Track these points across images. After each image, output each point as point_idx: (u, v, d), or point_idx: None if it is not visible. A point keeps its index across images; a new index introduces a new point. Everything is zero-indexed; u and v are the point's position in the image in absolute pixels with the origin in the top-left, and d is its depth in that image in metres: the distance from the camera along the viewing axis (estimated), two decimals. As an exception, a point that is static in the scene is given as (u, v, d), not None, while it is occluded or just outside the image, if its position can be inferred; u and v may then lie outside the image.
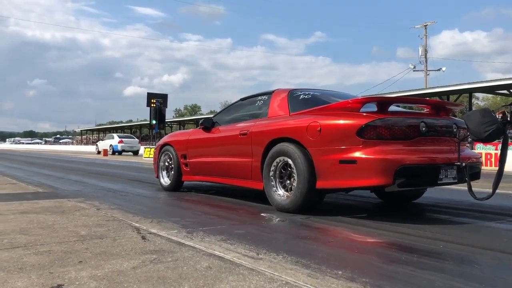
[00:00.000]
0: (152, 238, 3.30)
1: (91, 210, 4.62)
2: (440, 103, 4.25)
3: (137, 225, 3.80)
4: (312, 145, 3.89)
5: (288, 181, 4.34)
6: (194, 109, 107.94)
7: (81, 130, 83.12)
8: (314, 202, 4.15)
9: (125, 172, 11.31)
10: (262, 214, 4.42)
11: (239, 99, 5.71)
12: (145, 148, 21.35)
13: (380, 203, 5.37)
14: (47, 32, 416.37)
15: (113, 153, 27.51)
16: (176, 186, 6.29)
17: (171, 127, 55.41)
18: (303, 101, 4.49)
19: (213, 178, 5.43)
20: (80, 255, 2.76)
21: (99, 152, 29.75)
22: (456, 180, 3.75)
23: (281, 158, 4.27)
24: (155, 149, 6.80)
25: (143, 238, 3.29)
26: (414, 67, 37.44)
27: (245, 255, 2.82)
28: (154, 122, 19.81)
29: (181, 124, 55.19)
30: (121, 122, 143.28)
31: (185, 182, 6.59)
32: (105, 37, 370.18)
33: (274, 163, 4.36)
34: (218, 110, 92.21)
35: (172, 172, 6.31)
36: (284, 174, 4.33)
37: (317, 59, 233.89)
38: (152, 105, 19.96)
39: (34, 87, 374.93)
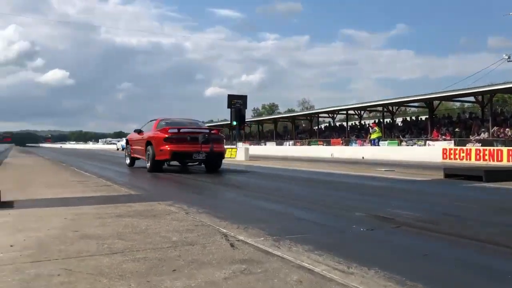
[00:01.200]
0: (240, 245, 3.35)
1: (180, 214, 4.80)
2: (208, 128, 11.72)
3: (224, 230, 3.89)
4: (154, 143, 10.54)
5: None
6: (272, 108, 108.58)
7: None
8: (158, 167, 10.65)
9: (208, 174, 11.69)
10: (348, 221, 4.34)
11: (149, 120, 13.35)
12: (226, 148, 21.85)
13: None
14: (134, 38, 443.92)
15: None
16: (131, 163, 13.51)
17: (250, 126, 56.14)
18: (161, 125, 11.41)
19: (136, 155, 12.70)
20: (174, 263, 2.87)
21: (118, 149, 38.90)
22: (203, 159, 10.44)
23: (149, 147, 11.03)
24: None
25: (232, 245, 3.36)
26: (509, 58, 34.64)
27: (335, 268, 2.77)
28: (235, 123, 20.22)
29: (260, 123, 55.82)
30: (203, 122, 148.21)
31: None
32: (187, 40, 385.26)
33: (147, 150, 11.08)
34: (296, 108, 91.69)
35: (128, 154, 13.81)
36: (149, 154, 10.96)
37: (400, 52, 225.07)
38: (233, 106, 20.40)
39: (123, 90, 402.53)
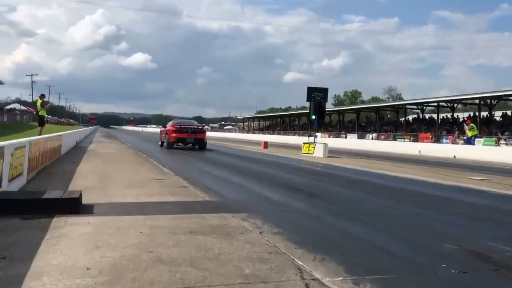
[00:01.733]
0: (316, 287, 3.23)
1: (254, 233, 4.76)
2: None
3: (300, 263, 3.77)
4: (168, 132, 20.84)
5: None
6: (354, 95, 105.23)
7: (243, 118, 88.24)
8: (170, 146, 20.44)
9: (283, 175, 11.65)
10: (437, 256, 4.04)
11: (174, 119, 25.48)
12: (304, 143, 21.49)
13: None
14: (214, 22, 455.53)
15: None
16: (161, 144, 22.94)
17: (330, 115, 54.94)
18: (173, 123, 21.78)
19: (162, 140, 23.09)
20: (245, 308, 2.81)
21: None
22: (192, 142, 20.55)
23: (166, 135, 21.46)
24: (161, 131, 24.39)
25: (306, 286, 3.24)
26: None
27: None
28: (314, 117, 19.88)
29: (340, 113, 54.55)
30: (280, 109, 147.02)
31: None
32: (268, 24, 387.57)
33: (166, 136, 21.44)
34: (381, 96, 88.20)
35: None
36: (167, 139, 21.41)
37: (502, 36, 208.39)
38: (312, 99, 20.07)
39: (202, 75, 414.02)
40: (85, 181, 8.32)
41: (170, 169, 11.32)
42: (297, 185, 9.34)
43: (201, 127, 22.76)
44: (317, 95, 20.04)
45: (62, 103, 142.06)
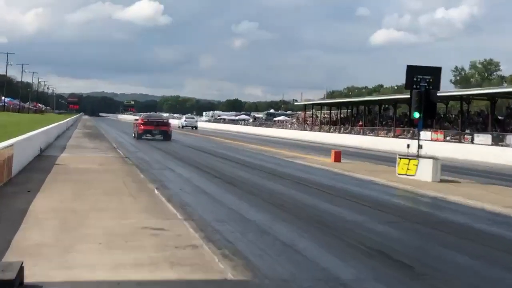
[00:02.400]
0: None
1: None
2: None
3: None
4: (138, 124, 38.00)
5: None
6: (488, 67, 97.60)
7: (305, 104, 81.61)
8: (139, 137, 36.87)
9: (366, 224, 10.76)
10: None
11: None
12: (399, 158, 19.09)
13: None
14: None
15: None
16: (134, 136, 39.27)
17: (447, 103, 50.96)
18: (144, 116, 40.95)
19: (134, 131, 40.04)
20: None
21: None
22: (157, 133, 36.73)
23: (136, 127, 38.96)
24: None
25: None
26: None
27: None
28: (417, 115, 17.60)
29: (464, 100, 47.06)
30: (365, 90, 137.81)
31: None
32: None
33: (136, 128, 38.93)
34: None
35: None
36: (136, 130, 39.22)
37: None
38: (416, 86, 17.66)
39: (241, 34, 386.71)
40: (37, 234, 8.01)
41: (179, 205, 10.98)
42: (392, 249, 8.32)
43: (166, 120, 41.10)
44: (422, 78, 17.81)
45: (27, 79, 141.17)
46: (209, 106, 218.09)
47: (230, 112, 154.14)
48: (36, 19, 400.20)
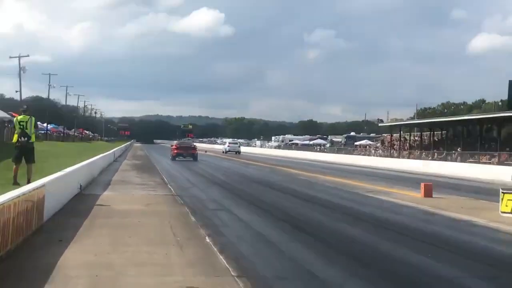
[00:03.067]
0: None
1: None
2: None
3: None
4: (172, 149, 61.30)
5: None
6: None
7: (391, 125, 77.55)
8: (173, 158, 57.11)
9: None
10: None
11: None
12: (503, 192, 17.36)
13: None
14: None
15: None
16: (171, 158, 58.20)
17: None
18: (176, 143, 64.39)
19: (170, 154, 61.50)
20: None
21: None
22: (187, 156, 56.22)
23: (172, 151, 61.94)
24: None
25: None
26: None
27: None
28: None
29: None
30: (464, 104, 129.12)
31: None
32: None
33: (171, 151, 61.43)
34: None
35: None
36: (172, 153, 61.49)
37: None
38: None
39: (315, 44, 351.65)
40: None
41: (233, 257, 10.00)
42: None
43: (193, 146, 58.58)
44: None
45: (72, 102, 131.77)
46: (280, 128, 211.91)
47: (304, 136, 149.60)
48: (82, 35, 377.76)
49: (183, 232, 12.81)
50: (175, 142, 66.38)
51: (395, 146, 70.04)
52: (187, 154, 54.91)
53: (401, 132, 72.47)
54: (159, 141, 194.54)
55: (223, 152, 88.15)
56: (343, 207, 19.53)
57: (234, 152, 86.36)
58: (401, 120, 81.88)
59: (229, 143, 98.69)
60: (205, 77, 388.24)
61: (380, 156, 68.69)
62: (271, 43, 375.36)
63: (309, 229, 14.28)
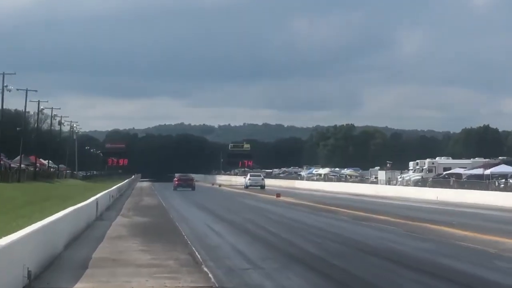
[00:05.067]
0: None
1: None
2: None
3: None
4: (174, 181, 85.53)
5: None
6: None
7: None
8: (175, 189, 79.16)
9: None
10: None
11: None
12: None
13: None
14: None
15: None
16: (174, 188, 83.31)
17: None
18: (177, 177, 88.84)
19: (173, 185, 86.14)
20: None
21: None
22: (186, 186, 78.69)
23: (174, 182, 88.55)
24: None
25: None
26: None
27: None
28: None
29: None
30: None
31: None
32: None
33: (174, 183, 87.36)
34: None
35: None
36: (174, 185, 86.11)
37: None
38: None
39: None
40: None
41: None
42: None
43: (191, 178, 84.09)
44: None
45: (31, 108, 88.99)
46: (422, 144, 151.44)
47: (472, 160, 79.48)
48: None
49: None
50: (248, 177, 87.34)
51: None
52: (186, 185, 76.43)
53: None
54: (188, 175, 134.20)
55: (245, 186, 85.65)
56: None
57: (258, 187, 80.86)
58: None
59: (251, 175, 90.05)
60: (272, 49, 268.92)
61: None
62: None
63: None
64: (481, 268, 16.31)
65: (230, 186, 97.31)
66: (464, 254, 19.27)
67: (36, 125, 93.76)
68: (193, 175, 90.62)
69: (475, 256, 18.74)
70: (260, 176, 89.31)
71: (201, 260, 16.29)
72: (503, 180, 57.85)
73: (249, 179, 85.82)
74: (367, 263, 16.77)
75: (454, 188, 58.48)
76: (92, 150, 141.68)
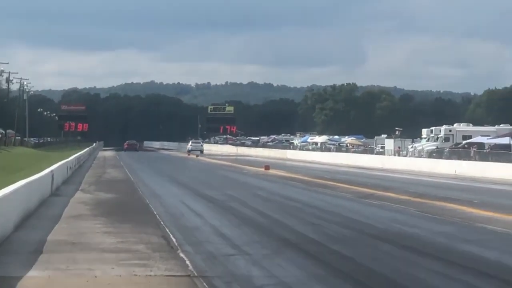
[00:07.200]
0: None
1: None
2: None
3: None
4: (125, 144, 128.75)
5: None
6: None
7: None
8: (125, 151, 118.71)
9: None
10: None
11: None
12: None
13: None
14: None
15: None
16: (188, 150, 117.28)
17: None
18: (190, 142, 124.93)
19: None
20: None
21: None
22: (133, 149, 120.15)
23: (125, 145, 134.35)
24: None
25: None
26: None
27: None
28: None
29: None
30: None
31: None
32: None
33: (124, 146, 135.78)
34: None
35: None
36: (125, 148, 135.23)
37: None
38: None
39: None
40: None
41: None
42: None
43: (136, 142, 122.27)
44: None
45: None
46: (437, 109, 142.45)
47: (497, 127, 73.22)
48: None
49: None
50: (190, 143, 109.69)
51: None
52: (132, 147, 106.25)
53: None
54: (156, 143, 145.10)
55: (188, 151, 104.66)
56: None
57: (199, 152, 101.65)
58: None
59: (192, 142, 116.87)
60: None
61: None
62: None
63: None
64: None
65: (210, 156, 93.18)
66: (490, 238, 18.24)
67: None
68: (137, 142, 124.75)
69: (503, 242, 17.82)
70: (199, 142, 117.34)
71: (176, 245, 15.43)
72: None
73: (191, 145, 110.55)
74: (373, 249, 15.86)
75: (475, 160, 54.12)
76: (46, 113, 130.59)
